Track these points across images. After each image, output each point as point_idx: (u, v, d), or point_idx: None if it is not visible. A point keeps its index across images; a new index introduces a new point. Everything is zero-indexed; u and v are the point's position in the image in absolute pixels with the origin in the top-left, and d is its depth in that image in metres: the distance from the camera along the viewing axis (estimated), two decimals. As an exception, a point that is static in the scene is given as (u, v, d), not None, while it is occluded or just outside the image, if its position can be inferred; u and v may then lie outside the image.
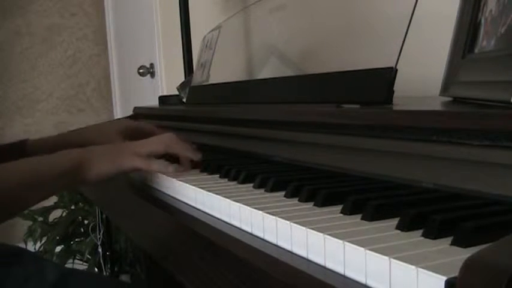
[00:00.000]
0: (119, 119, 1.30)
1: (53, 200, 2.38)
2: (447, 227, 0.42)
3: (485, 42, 0.61)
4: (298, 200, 0.59)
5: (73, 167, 0.81)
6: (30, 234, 2.34)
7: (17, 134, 3.28)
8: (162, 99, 1.74)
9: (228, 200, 0.61)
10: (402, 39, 0.65)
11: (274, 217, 0.52)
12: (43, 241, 2.32)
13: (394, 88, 0.68)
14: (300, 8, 1.05)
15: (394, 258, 0.37)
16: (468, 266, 0.29)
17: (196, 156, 0.87)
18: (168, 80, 2.57)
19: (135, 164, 0.82)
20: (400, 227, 0.45)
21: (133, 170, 0.84)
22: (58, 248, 2.30)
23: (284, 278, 0.45)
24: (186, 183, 0.73)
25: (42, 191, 0.81)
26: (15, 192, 0.77)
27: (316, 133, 0.72)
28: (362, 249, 0.40)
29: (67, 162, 0.81)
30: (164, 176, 0.82)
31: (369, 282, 0.39)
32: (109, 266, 1.94)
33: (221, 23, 1.44)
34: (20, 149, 1.02)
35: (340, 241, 0.42)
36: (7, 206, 0.77)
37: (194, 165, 0.87)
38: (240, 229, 0.58)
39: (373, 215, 0.49)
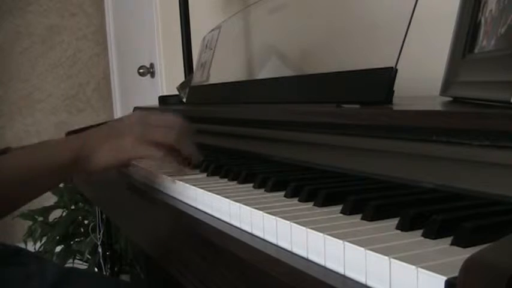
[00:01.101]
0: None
1: (53, 200, 2.38)
2: (447, 227, 0.42)
3: (485, 42, 0.61)
4: (298, 200, 0.59)
5: (72, 159, 0.75)
6: (30, 234, 2.34)
7: (17, 134, 3.29)
8: (162, 99, 1.74)
9: (228, 199, 0.61)
10: (402, 39, 0.65)
11: (274, 217, 0.52)
12: (43, 241, 2.33)
13: (394, 88, 0.68)
14: (300, 8, 1.05)
15: (394, 258, 0.37)
16: (468, 266, 0.29)
17: (198, 160, 0.81)
18: (168, 80, 2.57)
19: (146, 154, 0.75)
20: (400, 227, 0.45)
21: (141, 158, 0.78)
22: (58, 248, 2.31)
23: (284, 278, 0.45)
24: (186, 183, 0.73)
25: (38, 186, 0.76)
26: (7, 190, 0.72)
27: (316, 133, 0.72)
28: (362, 249, 0.40)
29: (65, 153, 0.75)
30: (164, 175, 0.82)
31: (369, 282, 0.39)
32: (109, 266, 1.94)
33: (221, 23, 1.44)
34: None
35: (340, 241, 0.42)
36: None
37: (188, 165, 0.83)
38: (240, 229, 0.58)
39: (373, 215, 0.49)
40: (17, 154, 0.77)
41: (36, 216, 2.35)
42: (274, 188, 0.65)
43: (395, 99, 0.68)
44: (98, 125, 1.41)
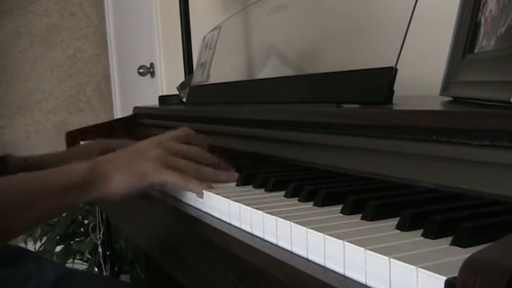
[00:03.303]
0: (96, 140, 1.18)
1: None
2: (447, 227, 0.42)
3: (485, 42, 0.61)
4: (298, 200, 0.59)
5: (79, 183, 0.68)
6: (30, 234, 2.34)
7: (17, 134, 3.29)
8: (162, 99, 1.74)
9: (228, 200, 0.61)
10: (402, 39, 0.65)
11: (274, 217, 0.52)
12: (43, 241, 2.33)
13: (394, 88, 0.68)
14: (300, 8, 1.05)
15: (394, 258, 0.37)
16: (468, 266, 0.29)
17: (233, 178, 0.74)
18: (168, 80, 2.57)
19: (168, 180, 0.70)
20: (400, 227, 0.45)
21: (162, 185, 0.73)
22: (58, 248, 2.30)
23: (284, 278, 0.45)
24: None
25: (39, 211, 0.68)
26: (4, 214, 0.64)
27: (316, 133, 0.72)
28: (362, 249, 0.40)
29: (72, 177, 0.68)
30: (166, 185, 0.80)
31: (369, 282, 0.39)
32: (109, 266, 1.94)
33: (221, 23, 1.44)
34: (1, 163, 1.00)
35: (340, 241, 0.42)
36: None
37: None
38: (240, 229, 0.58)
39: (373, 215, 0.49)
40: (17, 176, 0.69)
41: (36, 216, 2.34)
42: (274, 188, 0.65)
43: (395, 99, 0.68)
44: (98, 125, 1.41)
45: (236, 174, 0.74)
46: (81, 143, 1.47)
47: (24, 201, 0.66)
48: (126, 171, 0.70)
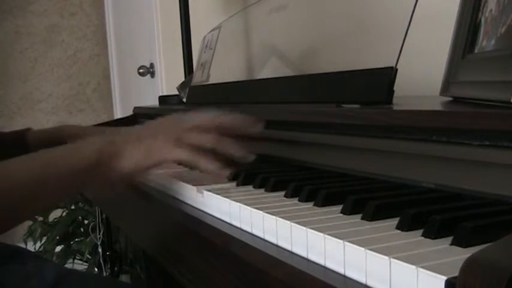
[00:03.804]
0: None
1: (53, 200, 2.38)
2: (447, 227, 0.42)
3: (485, 42, 0.61)
4: (298, 200, 0.59)
5: (95, 158, 0.65)
6: (30, 234, 2.34)
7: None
8: (162, 99, 1.74)
9: (228, 200, 0.61)
10: (402, 39, 0.65)
11: (274, 217, 0.52)
12: (43, 241, 2.33)
13: (394, 88, 0.68)
14: (300, 8, 1.05)
15: (394, 258, 0.37)
16: (468, 266, 0.29)
17: (249, 159, 0.69)
18: (168, 80, 2.57)
19: (178, 157, 0.66)
20: (400, 227, 0.45)
21: (174, 162, 0.69)
22: (58, 248, 2.31)
23: (284, 278, 0.45)
24: (186, 183, 0.73)
25: (52, 191, 0.66)
26: (17, 194, 0.63)
27: (316, 133, 0.72)
28: (362, 249, 0.40)
29: (90, 150, 0.66)
30: (163, 175, 0.82)
31: (369, 282, 0.39)
32: (109, 266, 1.94)
33: (221, 23, 1.44)
34: (21, 139, 1.01)
35: (340, 241, 0.42)
36: (7, 213, 0.62)
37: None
38: (240, 229, 0.58)
39: (373, 215, 0.49)
40: (30, 155, 0.66)
41: (36, 216, 2.35)
42: (274, 188, 0.65)
43: (395, 99, 0.68)
44: (98, 124, 1.41)
45: (253, 156, 0.69)
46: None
47: (42, 180, 0.64)
48: (138, 148, 0.67)
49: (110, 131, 0.71)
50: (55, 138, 0.99)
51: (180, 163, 0.70)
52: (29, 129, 1.04)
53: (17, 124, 3.31)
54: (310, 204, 0.57)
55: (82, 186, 0.73)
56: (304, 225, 0.47)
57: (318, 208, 0.55)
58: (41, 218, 2.35)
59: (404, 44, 0.65)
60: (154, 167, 0.69)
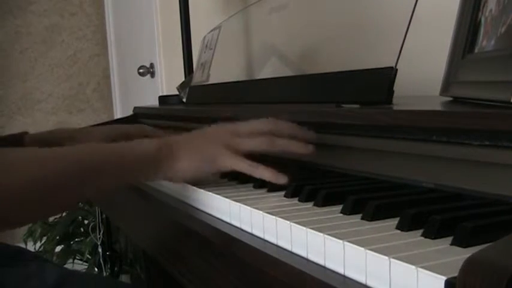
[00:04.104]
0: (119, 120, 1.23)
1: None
2: (447, 227, 0.42)
3: (485, 42, 0.61)
4: (298, 200, 0.59)
5: (152, 159, 0.65)
6: (30, 234, 2.34)
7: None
8: (162, 99, 1.74)
9: (228, 200, 0.61)
10: (402, 39, 0.65)
11: (274, 217, 0.52)
12: (43, 241, 2.33)
13: (394, 88, 0.68)
14: (300, 8, 1.05)
15: (394, 258, 0.37)
16: (468, 266, 0.29)
17: (310, 135, 0.68)
18: (168, 80, 2.57)
19: (236, 166, 0.66)
20: (400, 227, 0.45)
21: (228, 170, 0.68)
22: (58, 248, 2.31)
23: (284, 278, 0.45)
24: (186, 183, 0.73)
25: (106, 183, 0.65)
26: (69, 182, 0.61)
27: (317, 133, 0.72)
28: (362, 249, 0.40)
29: (149, 147, 0.65)
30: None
31: (369, 282, 0.39)
32: (109, 266, 1.94)
33: (221, 23, 1.44)
34: (17, 143, 1.01)
35: (340, 241, 0.42)
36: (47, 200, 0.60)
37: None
38: (240, 229, 0.58)
39: (373, 215, 0.49)
40: (88, 146, 0.66)
41: (36, 216, 2.34)
42: (274, 188, 0.65)
43: (395, 99, 0.68)
44: (98, 124, 1.41)
45: (311, 147, 0.68)
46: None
47: (98, 170, 0.63)
48: (194, 153, 0.67)
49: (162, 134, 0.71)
50: (52, 141, 0.99)
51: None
52: (26, 133, 1.04)
53: (17, 124, 3.31)
54: (310, 204, 0.57)
55: (134, 180, 0.72)
56: (304, 225, 0.47)
57: (318, 208, 0.55)
58: (41, 218, 2.35)
59: (404, 44, 0.65)
60: (208, 173, 0.69)
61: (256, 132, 0.69)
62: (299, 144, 0.68)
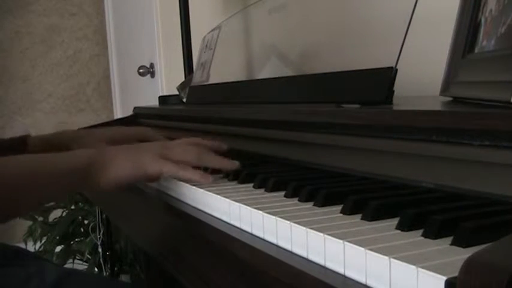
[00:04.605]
0: (119, 121, 1.24)
1: (53, 200, 2.38)
2: (447, 227, 0.42)
3: (485, 42, 0.61)
4: (298, 200, 0.59)
5: (85, 166, 0.70)
6: (30, 234, 2.34)
7: (17, 134, 3.28)
8: (162, 99, 1.74)
9: (228, 200, 0.61)
10: (402, 39, 0.65)
11: (274, 217, 0.52)
12: (43, 241, 2.33)
13: (394, 88, 0.68)
14: (300, 8, 1.05)
15: (394, 258, 0.37)
16: (468, 266, 0.29)
17: (234, 166, 0.76)
18: (168, 80, 2.57)
19: (164, 168, 0.72)
20: (400, 227, 0.45)
21: (159, 175, 0.74)
22: (58, 248, 2.31)
23: (284, 278, 0.45)
24: (186, 183, 0.73)
25: (43, 193, 0.70)
26: (9, 193, 0.66)
27: (316, 133, 0.72)
28: (362, 249, 0.40)
29: (78, 161, 0.71)
30: (163, 175, 0.81)
31: (369, 282, 0.39)
32: (109, 266, 1.94)
33: (221, 23, 1.44)
34: (20, 145, 1.02)
35: (340, 241, 0.42)
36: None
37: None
38: (240, 229, 0.58)
39: (373, 215, 0.49)
40: (25, 156, 0.72)
41: (36, 216, 2.35)
42: (274, 188, 0.65)
43: (395, 99, 0.68)
44: (98, 125, 1.41)
45: (237, 163, 0.76)
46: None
47: (31, 181, 0.68)
48: (125, 161, 0.72)
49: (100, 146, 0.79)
50: (54, 143, 1.00)
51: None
52: (28, 136, 1.04)
53: (17, 124, 3.31)
54: (310, 204, 0.57)
55: (70, 189, 0.78)
56: (304, 225, 0.47)
57: (318, 208, 0.55)
58: (41, 218, 2.35)
59: (404, 44, 0.65)
60: (140, 178, 0.74)
61: (185, 144, 0.78)
62: (224, 160, 0.76)
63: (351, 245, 0.41)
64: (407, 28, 0.65)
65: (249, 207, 0.56)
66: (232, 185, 0.72)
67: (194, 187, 0.70)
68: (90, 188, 0.73)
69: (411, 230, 0.44)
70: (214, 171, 0.77)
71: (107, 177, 0.71)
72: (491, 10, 0.60)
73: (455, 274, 0.30)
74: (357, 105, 0.70)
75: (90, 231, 2.20)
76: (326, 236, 0.44)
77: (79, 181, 0.72)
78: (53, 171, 0.70)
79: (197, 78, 1.47)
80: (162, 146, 0.76)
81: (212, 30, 1.48)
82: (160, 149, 0.74)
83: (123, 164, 0.71)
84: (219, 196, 0.63)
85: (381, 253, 0.38)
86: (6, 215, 0.69)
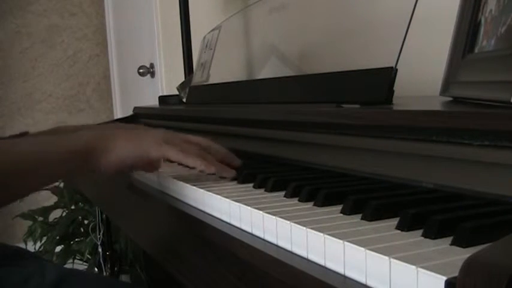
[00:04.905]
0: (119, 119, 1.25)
1: (53, 200, 2.38)
2: (447, 227, 0.42)
3: (485, 42, 0.61)
4: (298, 200, 0.59)
5: (87, 147, 0.69)
6: (30, 234, 2.34)
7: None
8: (162, 99, 1.74)
9: (228, 200, 0.61)
10: (402, 39, 0.65)
11: (274, 217, 0.52)
12: (43, 241, 2.32)
13: (394, 88, 0.68)
14: (300, 8, 1.05)
15: (394, 258, 0.37)
16: (468, 266, 0.29)
17: (232, 174, 0.74)
18: (168, 80, 2.57)
19: (167, 153, 0.71)
20: (400, 227, 0.45)
21: (160, 160, 0.73)
22: (58, 248, 2.30)
23: (284, 278, 0.45)
24: (186, 183, 0.73)
25: (45, 174, 0.69)
26: (12, 175, 0.65)
27: (316, 133, 0.72)
28: (362, 249, 0.40)
29: (80, 141, 0.70)
30: (163, 175, 0.82)
31: (369, 282, 0.39)
32: (109, 266, 1.94)
33: (221, 23, 1.44)
34: None
35: (340, 241, 0.42)
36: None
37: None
38: (240, 229, 0.58)
39: (373, 215, 0.49)
40: (28, 138, 0.72)
41: (36, 216, 2.35)
42: (274, 188, 0.65)
43: (395, 99, 0.68)
44: (98, 124, 1.41)
45: (234, 171, 0.75)
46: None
47: (33, 163, 0.67)
48: (128, 143, 0.70)
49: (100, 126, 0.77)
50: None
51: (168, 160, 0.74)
52: (26, 133, 1.04)
53: (17, 124, 3.31)
54: (310, 204, 0.57)
55: (71, 170, 0.76)
56: (304, 225, 0.47)
57: (318, 208, 0.55)
58: (41, 218, 2.35)
59: (404, 44, 0.65)
60: (142, 161, 0.72)
61: (191, 141, 0.76)
62: (227, 168, 0.74)
63: (351, 245, 0.41)
64: (407, 28, 0.65)
65: (249, 207, 0.56)
66: (232, 185, 0.72)
67: (194, 187, 0.70)
68: (91, 170, 0.71)
69: (411, 230, 0.44)
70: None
71: (108, 159, 0.69)
72: (491, 10, 0.60)
73: (455, 274, 0.30)
74: (357, 105, 0.70)
75: (90, 231, 2.20)
76: (326, 236, 0.44)
77: (80, 163, 0.70)
78: (57, 151, 0.69)
79: (197, 78, 1.47)
80: (165, 132, 0.74)
81: (212, 30, 1.48)
82: (163, 135, 0.73)
83: (126, 145, 0.70)
84: (219, 196, 0.63)
85: (380, 253, 0.38)
86: (9, 197, 0.68)
